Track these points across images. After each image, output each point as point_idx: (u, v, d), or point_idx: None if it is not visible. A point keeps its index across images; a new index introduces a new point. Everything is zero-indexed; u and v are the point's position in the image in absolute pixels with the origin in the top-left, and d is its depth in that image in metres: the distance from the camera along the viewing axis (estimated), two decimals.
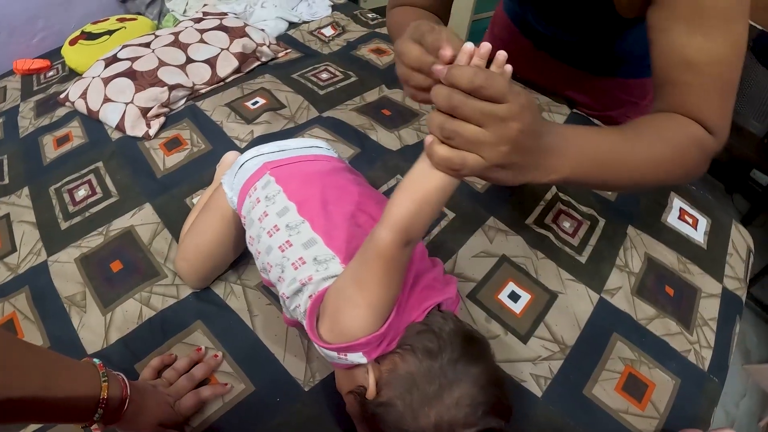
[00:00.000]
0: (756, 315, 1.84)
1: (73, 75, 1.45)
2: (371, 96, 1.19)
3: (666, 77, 0.65)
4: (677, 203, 1.06)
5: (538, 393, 0.74)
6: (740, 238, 1.05)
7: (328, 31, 1.45)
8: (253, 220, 0.72)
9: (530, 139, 0.47)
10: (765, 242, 1.93)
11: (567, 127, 0.57)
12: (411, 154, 1.05)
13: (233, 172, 0.80)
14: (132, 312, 0.79)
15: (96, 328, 0.78)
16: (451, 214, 0.95)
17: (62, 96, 1.29)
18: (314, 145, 0.84)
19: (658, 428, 0.74)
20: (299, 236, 0.67)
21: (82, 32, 1.51)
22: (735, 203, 1.95)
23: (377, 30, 1.49)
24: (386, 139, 1.08)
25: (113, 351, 0.75)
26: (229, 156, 0.98)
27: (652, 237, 0.98)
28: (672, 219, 1.03)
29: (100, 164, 1.09)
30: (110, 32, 1.49)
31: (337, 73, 1.25)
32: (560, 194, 1.01)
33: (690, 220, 1.04)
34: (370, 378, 0.57)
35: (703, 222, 1.04)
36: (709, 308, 0.90)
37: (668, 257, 0.95)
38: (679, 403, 0.77)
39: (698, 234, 1.02)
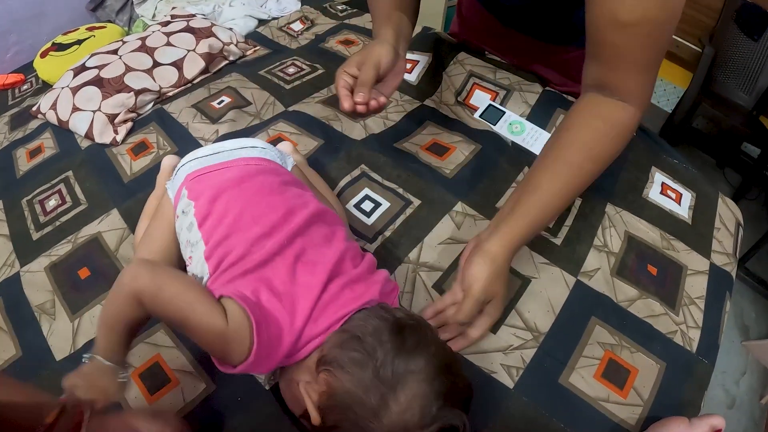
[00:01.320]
0: (753, 290, 1.78)
1: (46, 87, 1.44)
2: None
3: (596, 39, 0.68)
4: (659, 177, 1.01)
5: (510, 384, 0.70)
6: (728, 212, 1.01)
7: (297, 26, 1.42)
8: (180, 230, 0.73)
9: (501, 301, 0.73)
10: (758, 215, 1.89)
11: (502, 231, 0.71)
12: (375, 142, 1.02)
13: (172, 178, 0.80)
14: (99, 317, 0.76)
15: (64, 334, 0.76)
16: (416, 201, 0.91)
17: (34, 108, 1.28)
18: (250, 146, 0.81)
19: (642, 416, 0.70)
20: (197, 254, 0.67)
21: (53, 44, 1.50)
22: (727, 177, 1.90)
23: (346, 21, 1.45)
24: (351, 129, 1.04)
25: (80, 354, 0.70)
26: (167, 161, 0.95)
27: (633, 214, 0.94)
28: (654, 194, 0.98)
29: (70, 173, 1.08)
30: (80, 42, 1.48)
31: (304, 66, 1.22)
32: None
33: (673, 195, 0.99)
34: (309, 406, 0.54)
35: (688, 196, 1.00)
36: (696, 286, 0.86)
37: (650, 234, 0.91)
38: (664, 388, 0.73)
39: (682, 209, 0.97)
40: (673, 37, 1.85)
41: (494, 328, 0.75)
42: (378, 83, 0.80)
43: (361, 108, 0.77)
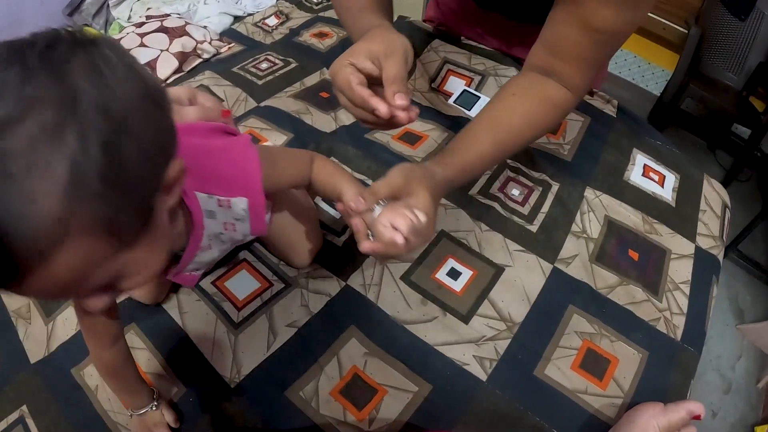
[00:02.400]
0: (747, 273, 1.75)
1: None
2: (312, 80, 1.14)
3: (559, 32, 0.70)
4: (640, 159, 0.99)
5: (483, 377, 0.68)
6: (713, 194, 0.98)
7: (272, 21, 1.40)
8: None
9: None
10: (751, 196, 1.85)
11: (440, 167, 0.67)
12: (345, 134, 0.99)
13: None
14: (71, 319, 0.75)
15: (39, 337, 0.75)
16: None
17: None
18: None
19: (623, 407, 0.67)
20: None
21: None
22: (718, 159, 1.87)
23: (321, 14, 1.42)
24: (321, 121, 1.02)
25: (53, 357, 0.72)
26: None
27: (614, 197, 0.91)
28: (635, 177, 0.95)
29: None
30: None
31: (277, 61, 1.20)
32: (508, 161, 0.94)
33: (656, 177, 0.96)
34: None
35: (671, 178, 0.97)
36: (680, 270, 0.84)
37: (631, 218, 0.89)
38: (647, 378, 0.70)
39: (665, 191, 0.95)
40: (660, 19, 1.82)
41: (466, 318, 0.73)
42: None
43: (402, 116, 0.59)
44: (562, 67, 0.71)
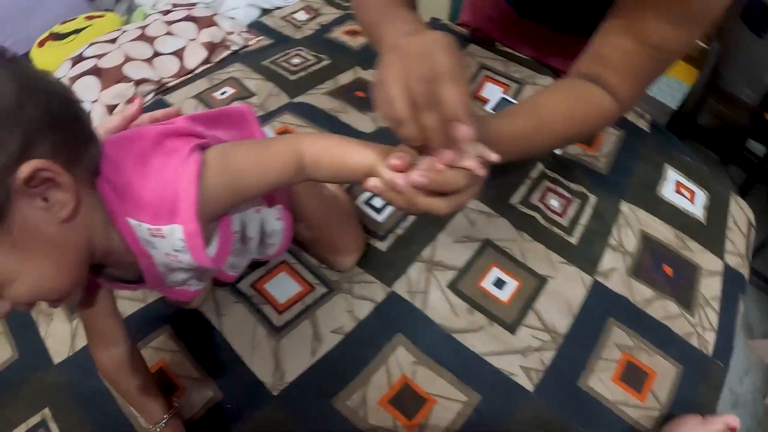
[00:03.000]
0: (758, 288, 1.77)
1: None
2: (345, 78, 1.13)
3: (613, 43, 0.69)
4: (672, 175, 0.99)
5: (530, 387, 0.68)
6: (740, 212, 0.99)
7: (301, 16, 1.39)
8: None
9: None
10: (763, 213, 1.87)
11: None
12: (384, 136, 0.98)
13: None
14: None
15: (62, 336, 0.73)
16: None
17: None
18: None
19: (660, 419, 0.68)
20: None
21: (51, 33, 1.47)
22: (730, 174, 1.89)
23: (351, 12, 1.41)
24: (359, 121, 1.01)
25: (79, 358, 0.71)
26: None
27: (648, 212, 0.92)
28: (668, 192, 0.96)
29: None
30: (77, 31, 1.45)
31: (309, 57, 1.19)
32: (547, 171, 0.94)
33: (687, 194, 0.97)
34: None
35: (701, 195, 0.98)
36: (710, 287, 0.85)
37: (665, 233, 0.89)
38: (681, 391, 0.71)
39: (696, 208, 0.96)
40: None
41: (512, 328, 0.73)
42: None
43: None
44: (611, 77, 0.71)
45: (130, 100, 0.63)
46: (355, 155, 0.50)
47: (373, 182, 0.48)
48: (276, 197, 0.64)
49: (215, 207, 0.49)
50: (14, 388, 0.69)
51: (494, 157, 0.48)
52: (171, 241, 0.46)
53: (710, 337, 0.78)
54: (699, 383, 0.73)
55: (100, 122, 0.60)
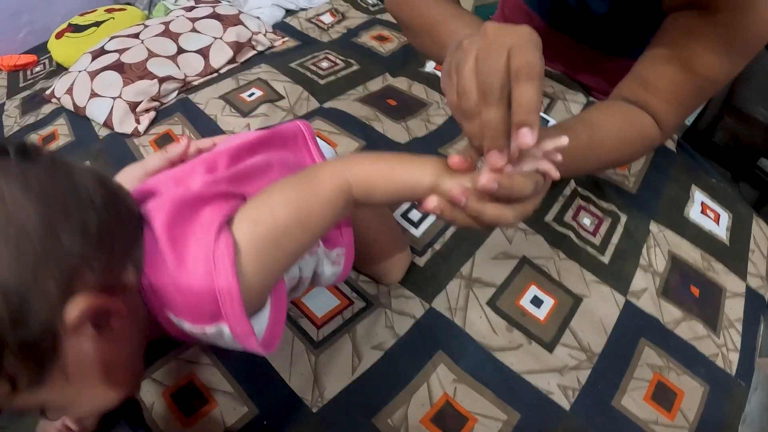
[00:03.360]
0: (766, 307, 1.79)
1: (60, 70, 1.40)
2: (375, 85, 1.13)
3: (657, 68, 0.70)
4: (698, 196, 1.01)
5: (566, 406, 0.69)
6: (761, 234, 1.01)
7: (327, 18, 1.38)
8: None
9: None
10: None
11: None
12: (420, 147, 0.99)
13: None
14: None
15: None
16: None
17: (48, 92, 1.23)
18: None
19: None
20: None
21: (69, 24, 1.45)
22: (742, 191, 1.91)
23: (378, 16, 1.41)
24: (393, 130, 1.01)
25: None
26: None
27: (676, 233, 0.93)
28: (695, 213, 0.97)
29: (87, 164, 1.03)
30: (98, 24, 1.42)
31: (338, 61, 1.18)
32: (579, 188, 0.95)
33: (712, 215, 0.99)
34: None
35: (725, 216, 0.99)
36: (734, 308, 0.86)
37: (692, 255, 0.90)
38: (708, 410, 0.72)
39: (720, 229, 0.97)
40: None
41: (550, 347, 0.74)
42: None
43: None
44: (656, 104, 0.72)
45: (176, 140, 0.61)
46: (412, 175, 0.44)
47: (433, 203, 0.43)
48: (333, 239, 0.60)
49: (262, 289, 0.44)
50: None
51: (555, 172, 0.43)
52: (212, 336, 0.43)
53: (734, 358, 0.80)
54: (724, 403, 0.74)
55: (141, 162, 0.59)
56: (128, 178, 0.57)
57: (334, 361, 0.70)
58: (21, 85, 1.39)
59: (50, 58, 1.46)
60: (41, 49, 1.52)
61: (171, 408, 0.64)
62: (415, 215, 0.87)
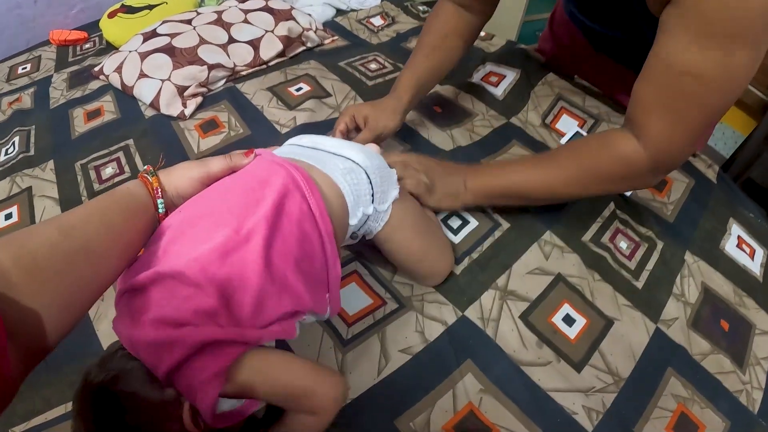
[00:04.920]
0: None
1: (109, 48, 1.43)
2: None
3: (644, 75, 0.67)
4: (735, 230, 1.00)
5: (589, 428, 0.69)
6: None
7: (377, 21, 1.39)
8: None
9: (431, 177, 0.80)
10: None
11: (472, 169, 0.84)
12: (463, 156, 1.00)
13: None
14: None
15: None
16: (505, 224, 0.89)
17: (97, 69, 1.26)
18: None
19: None
20: None
21: (122, 5, 1.48)
22: None
23: None
24: (438, 138, 1.02)
25: None
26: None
27: (710, 265, 0.92)
28: (730, 247, 0.97)
29: (130, 142, 1.05)
30: (150, 7, 1.45)
31: (387, 64, 1.20)
32: (618, 211, 0.95)
33: (747, 250, 0.98)
34: None
35: (761, 253, 0.99)
36: (762, 346, 0.85)
37: (725, 288, 0.90)
38: None
39: (755, 265, 0.96)
40: None
41: (578, 367, 0.74)
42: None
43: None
44: (638, 116, 0.69)
45: (246, 153, 0.63)
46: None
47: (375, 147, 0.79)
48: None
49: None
50: (56, 369, 0.69)
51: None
52: None
53: (758, 396, 0.79)
54: None
55: (203, 162, 0.61)
56: (188, 175, 0.59)
57: (360, 361, 0.71)
58: (70, 59, 1.43)
59: (100, 37, 1.50)
60: (92, 27, 1.56)
61: None
62: (454, 222, 0.88)
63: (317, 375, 0.52)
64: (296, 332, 0.56)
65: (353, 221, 0.66)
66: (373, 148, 0.77)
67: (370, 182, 0.68)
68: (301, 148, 0.73)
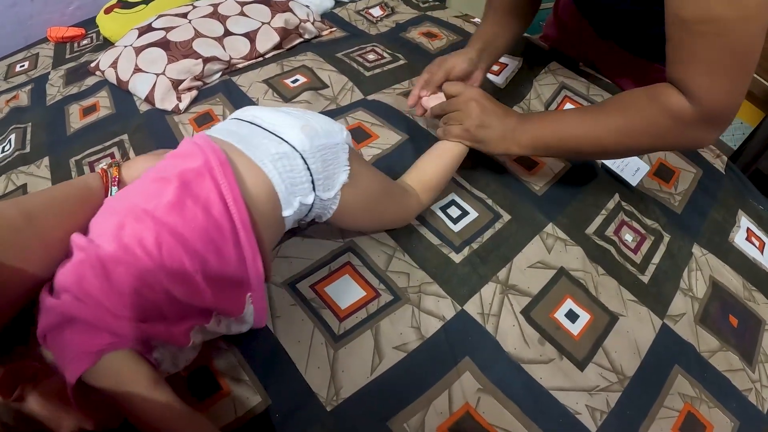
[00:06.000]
0: None
1: (107, 44, 1.42)
2: None
3: (667, 35, 0.66)
4: (744, 222, 0.97)
5: (593, 428, 0.66)
6: None
7: (377, 12, 1.37)
8: None
9: (486, 114, 0.81)
10: None
11: (521, 119, 0.81)
12: None
13: None
14: None
15: None
16: (506, 216, 0.86)
17: (93, 64, 1.25)
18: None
19: None
20: None
21: (118, 1, 1.46)
22: None
23: (428, 13, 1.40)
24: (437, 127, 1.00)
25: None
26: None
27: (719, 258, 0.89)
28: (740, 239, 0.94)
29: (125, 137, 1.04)
30: (146, 1, 1.44)
31: (385, 54, 1.17)
32: (623, 203, 0.92)
33: (757, 243, 0.95)
34: None
35: None
36: None
37: (734, 282, 0.87)
38: None
39: (765, 258, 0.93)
40: None
41: (582, 365, 0.71)
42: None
43: (411, 101, 0.93)
44: (675, 71, 0.68)
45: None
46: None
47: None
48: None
49: None
50: None
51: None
52: None
53: (767, 395, 0.76)
54: None
55: (164, 150, 0.64)
56: (146, 166, 0.63)
57: (353, 358, 0.68)
58: (67, 56, 1.42)
59: (98, 33, 1.49)
60: (90, 23, 1.54)
61: (184, 390, 0.63)
62: (454, 211, 0.86)
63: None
64: (189, 341, 0.55)
65: (288, 212, 0.62)
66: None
67: (308, 168, 0.62)
68: (238, 123, 0.67)
